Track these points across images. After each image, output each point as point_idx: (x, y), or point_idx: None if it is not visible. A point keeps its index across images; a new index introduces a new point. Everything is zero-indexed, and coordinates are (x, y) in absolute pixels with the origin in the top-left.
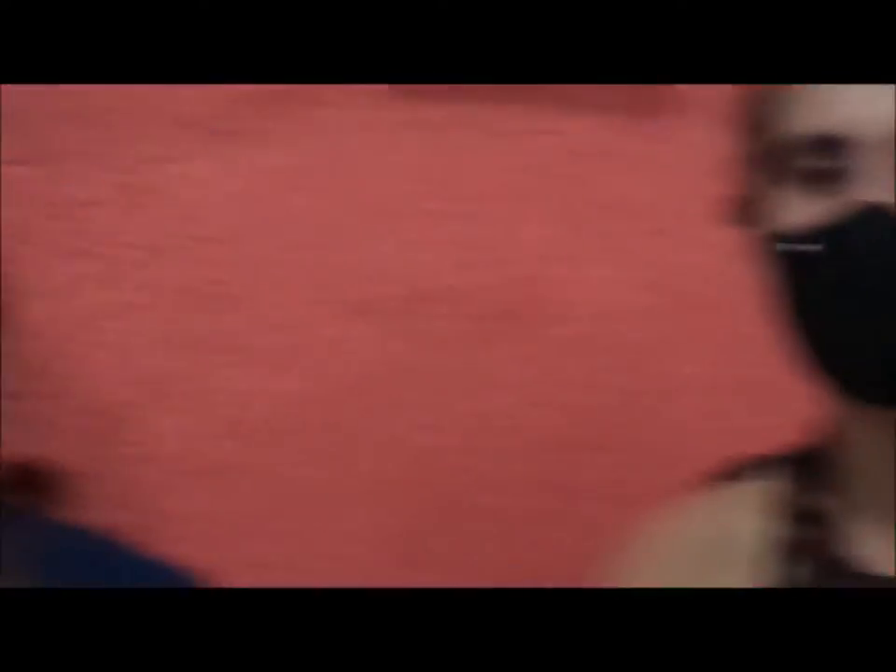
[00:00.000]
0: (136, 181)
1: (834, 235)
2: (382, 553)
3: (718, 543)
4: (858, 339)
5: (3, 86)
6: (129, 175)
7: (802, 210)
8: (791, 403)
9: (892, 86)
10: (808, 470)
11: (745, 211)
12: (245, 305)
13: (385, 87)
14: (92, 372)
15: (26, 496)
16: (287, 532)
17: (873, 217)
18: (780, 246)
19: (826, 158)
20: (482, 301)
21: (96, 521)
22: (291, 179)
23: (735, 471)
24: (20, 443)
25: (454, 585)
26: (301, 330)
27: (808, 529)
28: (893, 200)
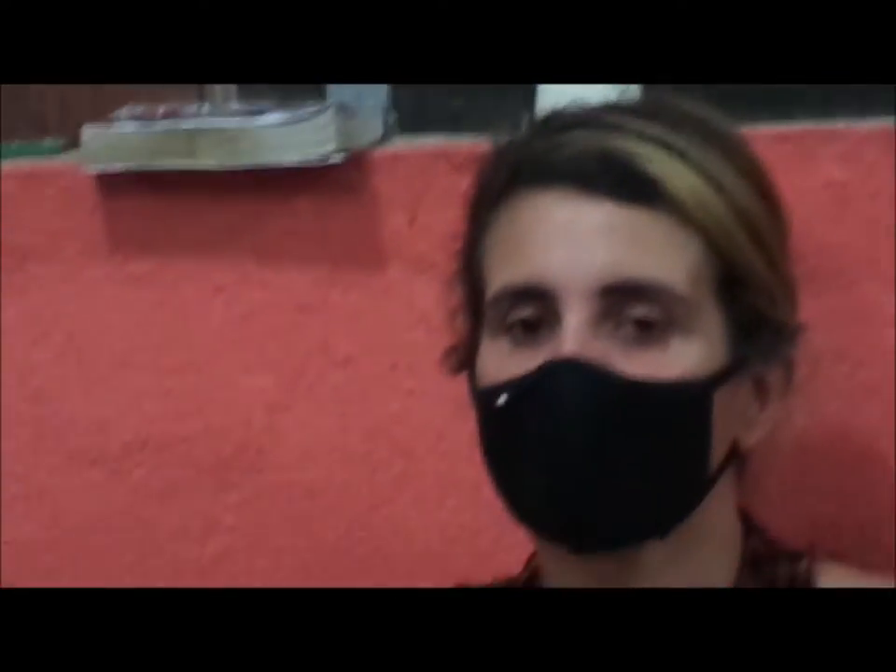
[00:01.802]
0: None
1: (525, 387)
2: None
3: None
4: (537, 487)
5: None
6: None
7: (512, 362)
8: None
9: (591, 249)
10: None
11: (464, 361)
12: None
13: (101, 240)
14: None
15: None
16: None
17: (558, 369)
18: (494, 399)
19: (529, 309)
20: (204, 449)
21: None
22: (14, 334)
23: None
24: None
25: None
26: (29, 479)
27: None
28: (592, 353)
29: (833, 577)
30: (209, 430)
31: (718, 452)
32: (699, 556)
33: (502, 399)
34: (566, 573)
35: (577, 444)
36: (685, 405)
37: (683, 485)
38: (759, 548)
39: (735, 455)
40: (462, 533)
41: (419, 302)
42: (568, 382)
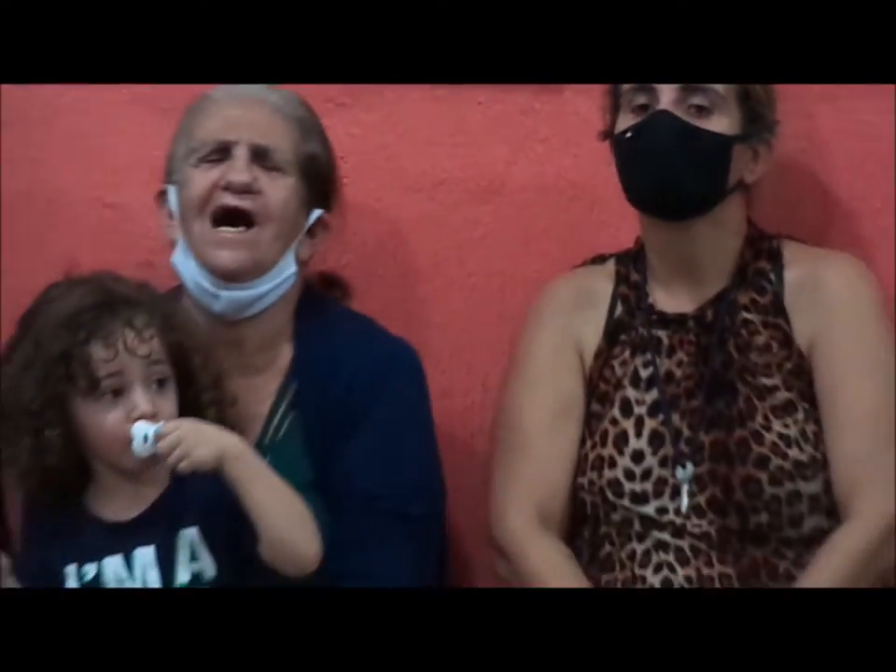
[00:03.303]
0: None
1: (641, 124)
2: None
3: (587, 292)
4: (646, 177)
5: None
6: None
7: (628, 120)
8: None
9: None
10: (633, 258)
11: (608, 132)
12: None
13: None
14: None
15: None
16: None
17: (660, 115)
18: (625, 134)
19: (641, 97)
20: None
21: None
22: None
23: (596, 259)
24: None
25: None
26: None
27: (630, 287)
28: (677, 112)
29: (791, 248)
30: None
31: (732, 177)
32: (724, 234)
33: (629, 133)
34: (657, 240)
35: (669, 153)
36: (720, 144)
37: (715, 185)
38: (753, 233)
39: (742, 185)
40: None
41: None
42: (664, 121)
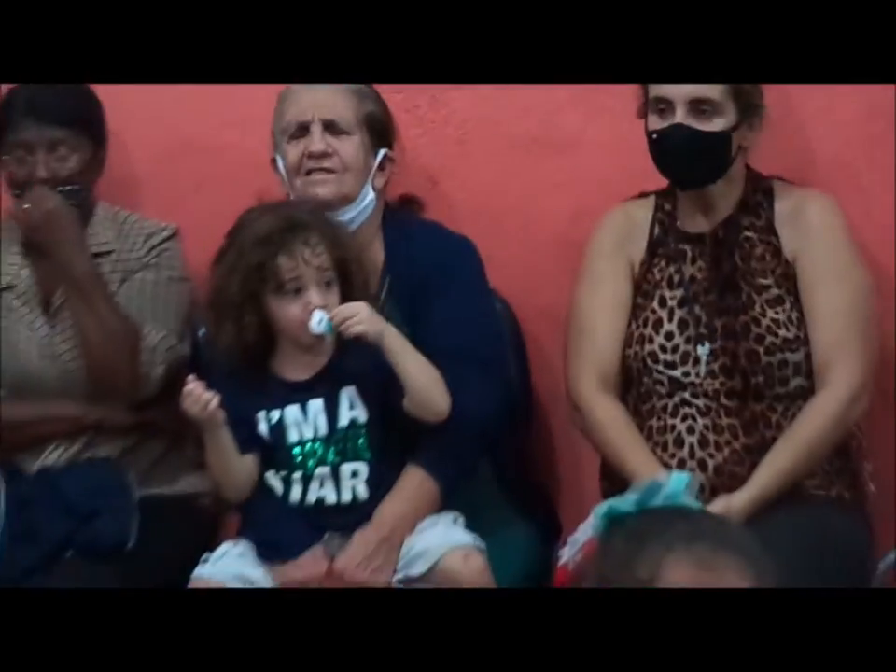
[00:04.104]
0: None
1: (664, 131)
2: None
3: (632, 219)
4: (669, 168)
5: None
6: None
7: (656, 122)
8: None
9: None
10: (667, 194)
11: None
12: None
13: None
14: None
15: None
16: None
17: (677, 126)
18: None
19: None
20: None
21: None
22: None
23: (641, 194)
24: None
25: None
26: None
27: (665, 215)
28: (687, 121)
29: (780, 186)
30: None
31: (733, 152)
32: (730, 182)
33: (655, 135)
34: (684, 194)
35: (684, 153)
36: (722, 139)
37: (722, 162)
38: (751, 175)
39: (741, 149)
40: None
41: None
42: (679, 131)
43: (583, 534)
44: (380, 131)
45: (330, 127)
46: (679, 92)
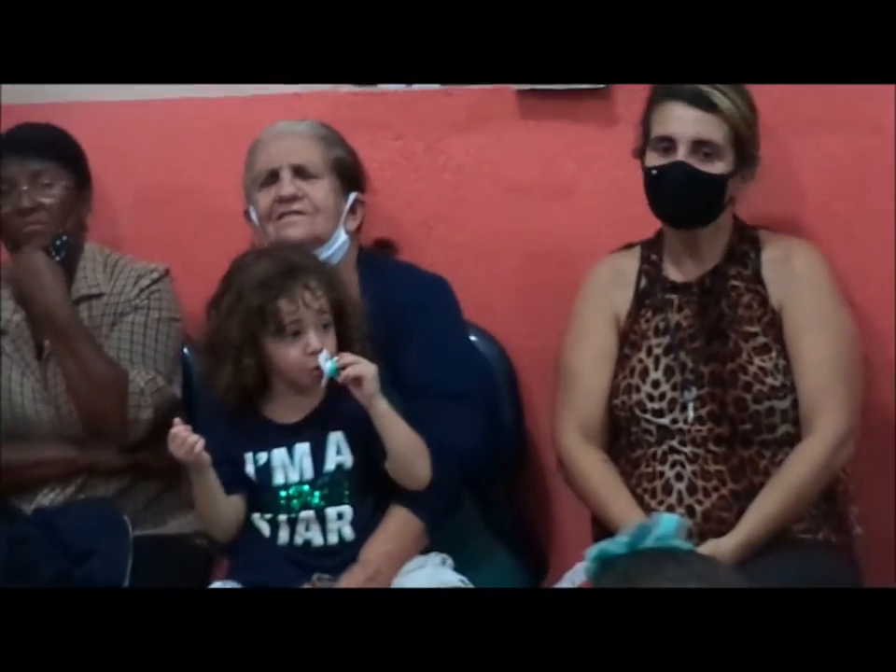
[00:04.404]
0: None
1: (664, 168)
2: None
3: (620, 271)
4: (666, 205)
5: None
6: None
7: (655, 159)
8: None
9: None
10: (653, 244)
11: (639, 149)
12: None
13: None
14: None
15: None
16: None
17: (677, 164)
18: (651, 172)
19: (665, 143)
20: None
21: None
22: None
23: (626, 245)
24: None
25: None
26: None
27: (651, 265)
28: (689, 160)
29: (766, 235)
30: None
31: (726, 198)
32: (718, 230)
33: (654, 171)
34: (673, 236)
35: (683, 192)
36: (719, 182)
37: (717, 205)
38: (739, 225)
39: (731, 199)
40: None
41: None
42: (680, 169)
43: (576, 576)
44: (349, 175)
45: (300, 172)
46: (684, 132)
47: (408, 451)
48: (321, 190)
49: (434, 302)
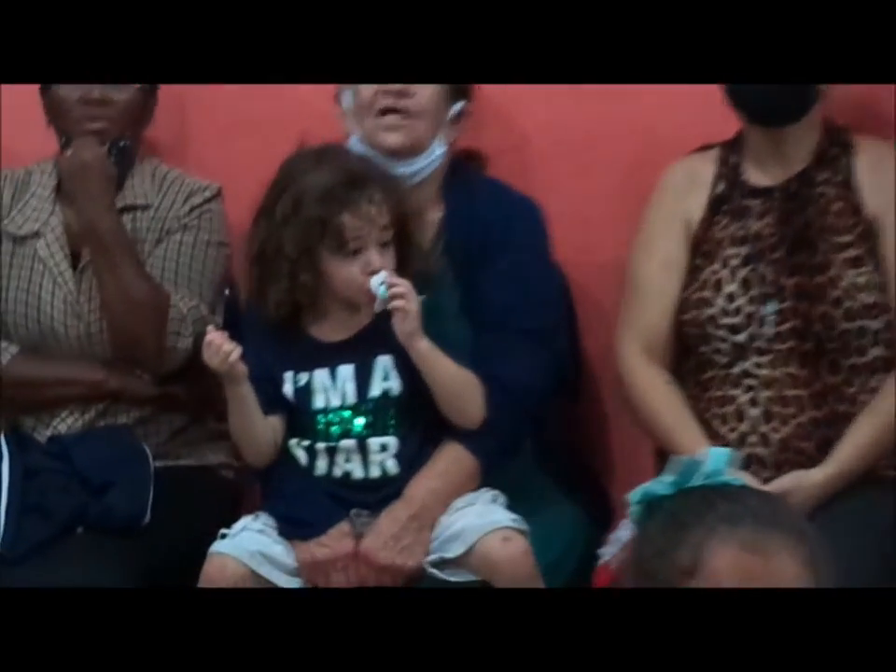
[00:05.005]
0: None
1: None
2: None
3: (692, 174)
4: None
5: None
6: None
7: None
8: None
9: None
10: (732, 145)
11: None
12: None
13: None
14: None
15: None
16: None
17: None
18: None
19: None
20: None
21: None
22: None
23: (703, 146)
24: None
25: None
26: None
27: (729, 168)
28: None
29: (862, 140)
30: None
31: (815, 94)
32: (807, 130)
33: None
34: (757, 135)
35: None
36: None
37: (807, 97)
38: (829, 127)
39: (821, 94)
40: None
41: None
42: None
43: (628, 530)
44: None
45: None
46: None
47: (454, 390)
48: (429, 90)
49: (521, 225)
